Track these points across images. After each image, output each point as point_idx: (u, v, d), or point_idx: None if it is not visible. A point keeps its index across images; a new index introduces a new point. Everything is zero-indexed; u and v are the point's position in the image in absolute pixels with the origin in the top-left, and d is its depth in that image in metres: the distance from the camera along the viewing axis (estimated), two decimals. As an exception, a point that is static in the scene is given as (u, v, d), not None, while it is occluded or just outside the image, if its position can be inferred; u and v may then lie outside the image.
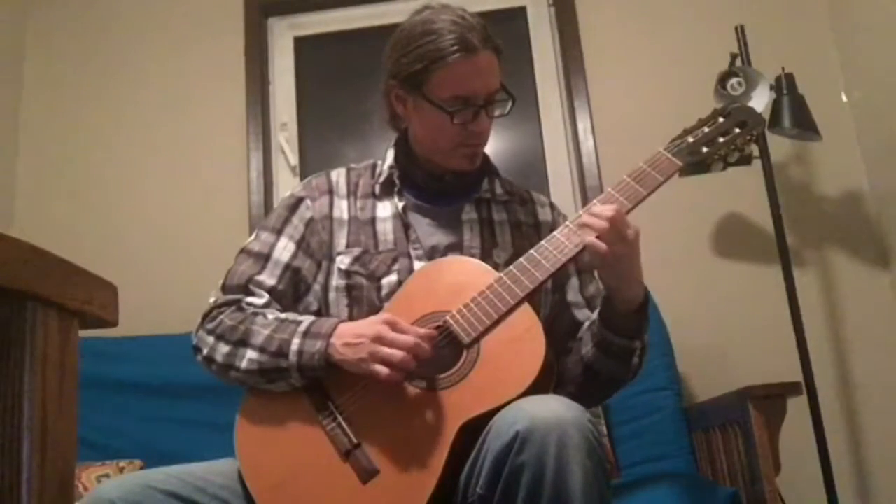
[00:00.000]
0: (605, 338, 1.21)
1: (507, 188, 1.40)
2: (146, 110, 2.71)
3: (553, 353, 1.30)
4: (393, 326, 1.10)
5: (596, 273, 1.38)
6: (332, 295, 1.28)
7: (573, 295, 1.34)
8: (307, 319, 1.18)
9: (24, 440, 0.57)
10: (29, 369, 0.58)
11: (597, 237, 1.11)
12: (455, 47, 1.21)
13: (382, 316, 1.13)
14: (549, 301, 1.33)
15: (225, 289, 1.27)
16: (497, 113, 1.29)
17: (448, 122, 1.24)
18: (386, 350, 1.08)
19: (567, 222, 1.20)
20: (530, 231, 1.36)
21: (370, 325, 1.11)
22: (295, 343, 1.14)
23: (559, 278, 1.31)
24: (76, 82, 2.75)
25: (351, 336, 1.12)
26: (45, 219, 2.61)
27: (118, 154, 2.67)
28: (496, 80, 1.27)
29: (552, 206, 1.44)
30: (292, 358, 1.14)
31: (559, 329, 1.31)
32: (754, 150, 2.12)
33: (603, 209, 1.13)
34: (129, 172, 2.66)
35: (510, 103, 1.29)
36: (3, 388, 0.57)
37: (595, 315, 1.24)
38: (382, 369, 1.08)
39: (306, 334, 1.15)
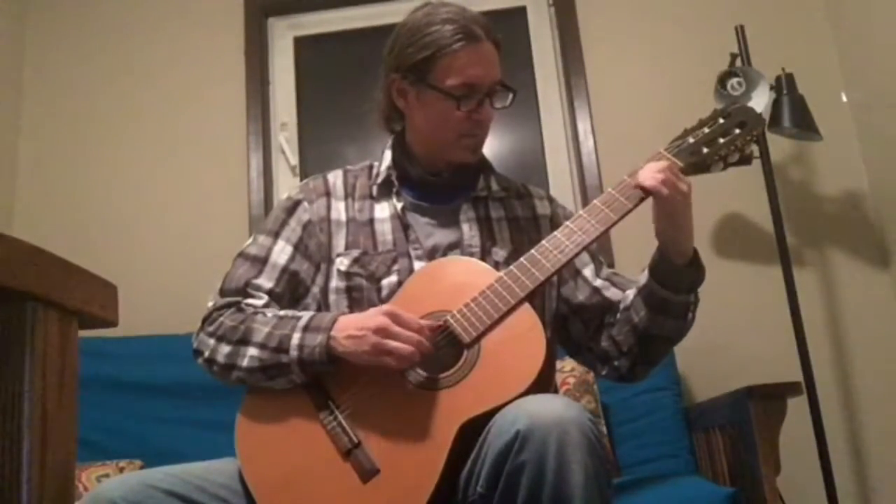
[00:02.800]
0: (663, 297, 1.22)
1: (504, 184, 1.41)
2: (146, 110, 2.70)
3: (553, 353, 1.30)
4: (395, 319, 1.10)
5: (603, 260, 1.39)
6: (332, 297, 1.28)
7: (594, 279, 1.35)
8: (307, 314, 1.19)
9: (24, 440, 0.57)
10: (29, 369, 0.58)
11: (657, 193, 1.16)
12: (460, 35, 1.24)
13: (384, 307, 1.13)
14: (554, 295, 1.33)
15: (223, 292, 1.27)
16: (499, 104, 1.31)
17: (453, 110, 1.26)
18: (391, 343, 1.08)
19: (568, 221, 1.21)
20: (529, 226, 1.37)
21: (373, 318, 1.11)
22: (295, 338, 1.14)
23: (571, 268, 1.33)
24: (76, 83, 2.75)
25: (353, 328, 1.12)
26: (45, 219, 2.61)
27: (118, 154, 2.67)
28: (498, 71, 1.30)
29: (550, 198, 1.44)
30: (293, 353, 1.14)
31: (593, 314, 1.33)
32: (754, 150, 2.12)
33: (653, 164, 1.19)
34: (129, 172, 2.66)
35: (511, 96, 1.32)
36: (3, 388, 0.57)
37: (645, 280, 1.25)
38: (388, 360, 1.08)
39: (306, 328, 1.15)
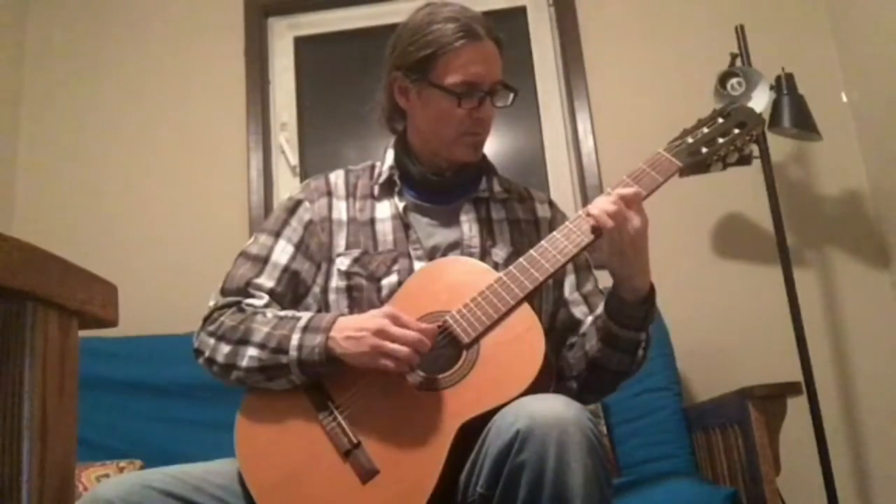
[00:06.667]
0: (612, 331, 1.20)
1: (506, 186, 1.41)
2: (146, 110, 2.71)
3: (553, 352, 1.30)
4: (395, 320, 1.10)
5: (593, 271, 1.38)
6: (332, 296, 1.28)
7: (570, 292, 1.34)
8: (306, 315, 1.19)
9: (24, 440, 0.57)
10: (29, 369, 0.58)
11: (602, 226, 1.13)
12: (461, 33, 1.25)
13: (384, 309, 1.13)
14: (550, 298, 1.33)
15: (224, 292, 1.27)
16: (500, 103, 1.31)
17: (454, 107, 1.26)
18: (389, 345, 1.08)
19: (567, 222, 1.21)
20: (529, 228, 1.37)
21: (372, 319, 1.11)
22: (295, 338, 1.14)
23: (558, 275, 1.31)
24: (76, 82, 2.76)
25: (352, 329, 1.12)
26: (45, 219, 2.61)
27: (118, 154, 2.68)
28: (499, 70, 1.30)
29: (551, 202, 1.44)
30: (292, 353, 1.14)
31: (558, 326, 1.32)
32: (754, 150, 2.12)
33: (603, 197, 1.15)
34: (129, 172, 2.66)
35: (512, 95, 1.32)
36: (3, 388, 0.57)
37: (600, 310, 1.24)
38: (386, 363, 1.08)
39: (306, 329, 1.15)
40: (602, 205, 1.14)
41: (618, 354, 1.22)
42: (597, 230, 1.16)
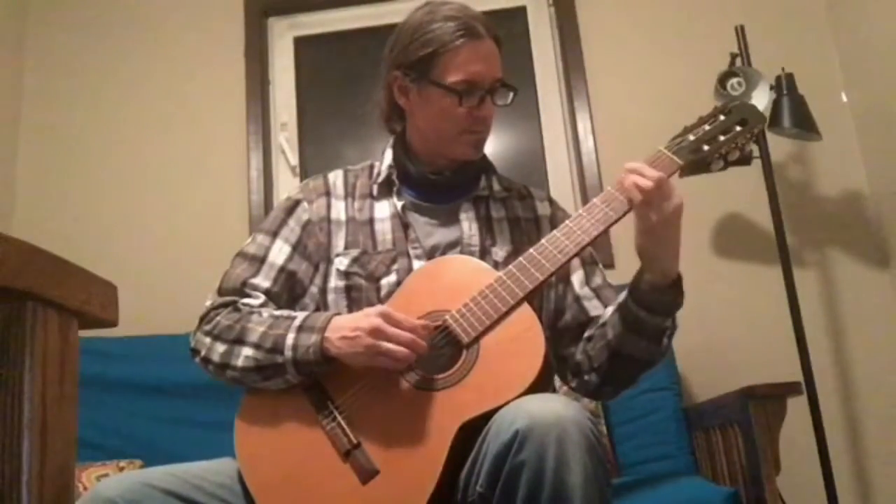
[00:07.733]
0: (638, 317, 1.19)
1: (505, 185, 1.41)
2: (146, 110, 2.71)
3: (552, 352, 1.30)
4: (389, 319, 1.10)
5: (599, 265, 1.37)
6: (330, 296, 1.28)
7: (580, 287, 1.33)
8: (302, 314, 1.19)
9: (24, 440, 0.56)
10: (29, 369, 0.58)
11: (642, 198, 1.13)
12: (461, 32, 1.25)
13: (378, 308, 1.13)
14: (551, 296, 1.33)
15: (221, 291, 1.27)
16: (500, 101, 1.31)
17: (455, 105, 1.26)
18: (385, 345, 1.08)
19: (568, 220, 1.21)
20: (529, 226, 1.37)
21: (367, 318, 1.11)
22: (290, 338, 1.14)
23: (563, 272, 1.31)
24: (76, 82, 2.75)
25: (347, 329, 1.12)
26: (45, 219, 2.61)
27: (118, 154, 2.67)
28: (499, 68, 1.30)
29: (551, 200, 1.44)
30: (287, 353, 1.14)
31: (570, 322, 1.31)
32: (754, 149, 2.12)
33: (648, 170, 1.14)
34: (129, 172, 2.66)
35: (512, 94, 1.32)
36: (3, 388, 0.57)
37: (623, 297, 1.22)
38: (383, 361, 1.08)
39: (301, 329, 1.15)
40: (636, 179, 1.13)
41: (643, 341, 1.20)
42: (632, 201, 1.14)
